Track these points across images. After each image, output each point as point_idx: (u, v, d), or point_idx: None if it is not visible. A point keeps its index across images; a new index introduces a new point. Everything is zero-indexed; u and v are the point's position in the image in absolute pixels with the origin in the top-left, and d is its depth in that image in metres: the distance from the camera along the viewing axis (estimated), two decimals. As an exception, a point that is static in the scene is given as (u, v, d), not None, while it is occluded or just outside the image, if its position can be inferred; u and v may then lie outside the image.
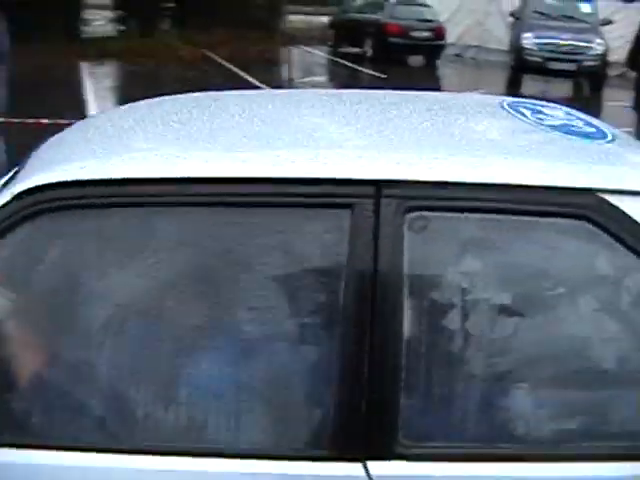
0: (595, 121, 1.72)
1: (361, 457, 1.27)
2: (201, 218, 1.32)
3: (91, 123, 1.84)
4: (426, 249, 1.31)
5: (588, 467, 1.27)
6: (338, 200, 1.31)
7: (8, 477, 1.28)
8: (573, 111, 1.79)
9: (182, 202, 1.31)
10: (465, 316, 1.30)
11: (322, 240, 1.31)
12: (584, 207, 1.31)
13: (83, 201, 1.32)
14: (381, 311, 1.28)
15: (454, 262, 1.31)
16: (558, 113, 1.73)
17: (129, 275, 1.32)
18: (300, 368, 1.32)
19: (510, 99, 1.87)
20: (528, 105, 1.77)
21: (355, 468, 1.27)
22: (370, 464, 1.27)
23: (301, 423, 1.31)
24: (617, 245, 1.31)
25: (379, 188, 1.31)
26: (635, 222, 1.31)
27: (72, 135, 1.62)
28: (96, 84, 10.93)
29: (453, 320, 1.30)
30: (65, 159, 1.40)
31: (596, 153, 1.46)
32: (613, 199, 1.32)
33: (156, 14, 16.75)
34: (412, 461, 1.27)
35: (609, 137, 1.57)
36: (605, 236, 1.31)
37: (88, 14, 16.88)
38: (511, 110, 1.69)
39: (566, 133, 1.55)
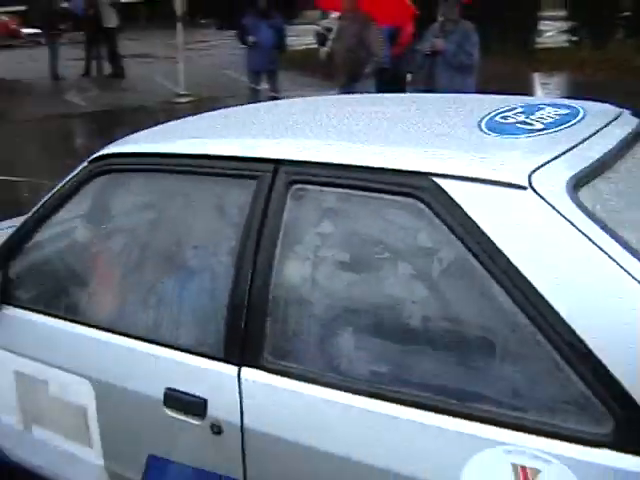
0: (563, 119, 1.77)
1: (238, 363, 1.71)
2: (174, 182, 1.92)
3: (208, 114, 2.50)
4: (299, 214, 1.68)
5: (393, 408, 1.49)
6: (250, 172, 1.76)
7: None
8: (566, 110, 1.85)
9: (168, 170, 1.93)
10: (315, 267, 1.64)
11: (237, 201, 1.79)
12: (418, 188, 1.53)
13: (125, 166, 2.02)
14: (261, 256, 1.69)
15: (315, 225, 1.66)
16: (540, 113, 1.82)
17: (141, 215, 1.99)
18: (213, 292, 1.81)
19: (531, 100, 1.99)
20: (522, 106, 1.89)
21: (233, 369, 1.71)
22: (242, 369, 1.70)
23: (209, 331, 1.80)
24: (438, 222, 1.49)
25: (277, 166, 1.72)
26: (456, 204, 1.48)
27: (179, 121, 2.32)
28: (547, 95, 11.02)
29: (307, 269, 1.65)
30: (137, 138, 2.12)
31: (478, 145, 1.61)
32: (443, 183, 1.50)
33: (611, 24, 15.89)
34: (271, 373, 1.67)
35: (540, 134, 1.67)
36: (430, 214, 1.50)
37: (541, 25, 17.01)
38: (492, 111, 1.85)
39: (491, 130, 1.70)
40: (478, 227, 1.45)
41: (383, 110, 2.04)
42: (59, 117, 10.56)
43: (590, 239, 1.38)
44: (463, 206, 1.47)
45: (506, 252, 1.42)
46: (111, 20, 14.17)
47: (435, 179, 1.51)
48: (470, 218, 1.46)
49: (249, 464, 1.69)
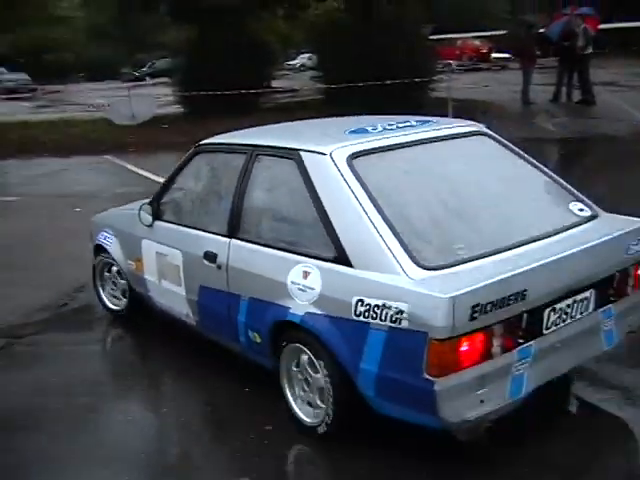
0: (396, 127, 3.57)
1: (230, 236, 3.75)
2: (222, 156, 4.04)
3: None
4: (257, 170, 3.70)
5: (270, 250, 3.44)
6: (244, 150, 3.81)
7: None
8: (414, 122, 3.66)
9: (220, 151, 4.06)
10: (258, 192, 3.64)
11: (239, 164, 3.82)
12: (293, 156, 3.46)
13: (206, 149, 4.18)
14: (242, 188, 3.73)
15: (261, 173, 3.65)
16: (398, 123, 3.65)
17: (210, 174, 4.13)
18: (227, 206, 3.84)
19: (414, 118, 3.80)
20: (399, 120, 3.73)
21: (227, 239, 3.77)
22: (232, 239, 3.74)
23: (222, 223, 3.84)
24: (298, 172, 3.40)
25: (254, 147, 3.75)
26: (303, 163, 3.37)
27: (249, 129, 4.45)
28: None
29: (255, 194, 3.65)
30: (220, 136, 4.26)
31: (333, 138, 3.52)
32: (301, 153, 3.42)
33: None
34: (239, 240, 3.68)
35: (368, 132, 3.50)
36: (297, 168, 3.42)
37: None
38: (375, 123, 3.70)
39: (349, 132, 3.56)
40: (308, 175, 3.34)
41: (318, 123, 4.02)
42: (534, 141, 10.14)
43: (347, 183, 3.19)
44: (306, 164, 3.38)
45: (316, 187, 3.29)
46: (587, 48, 14.41)
47: (299, 151, 3.44)
48: (307, 170, 3.36)
49: (230, 282, 3.71)
